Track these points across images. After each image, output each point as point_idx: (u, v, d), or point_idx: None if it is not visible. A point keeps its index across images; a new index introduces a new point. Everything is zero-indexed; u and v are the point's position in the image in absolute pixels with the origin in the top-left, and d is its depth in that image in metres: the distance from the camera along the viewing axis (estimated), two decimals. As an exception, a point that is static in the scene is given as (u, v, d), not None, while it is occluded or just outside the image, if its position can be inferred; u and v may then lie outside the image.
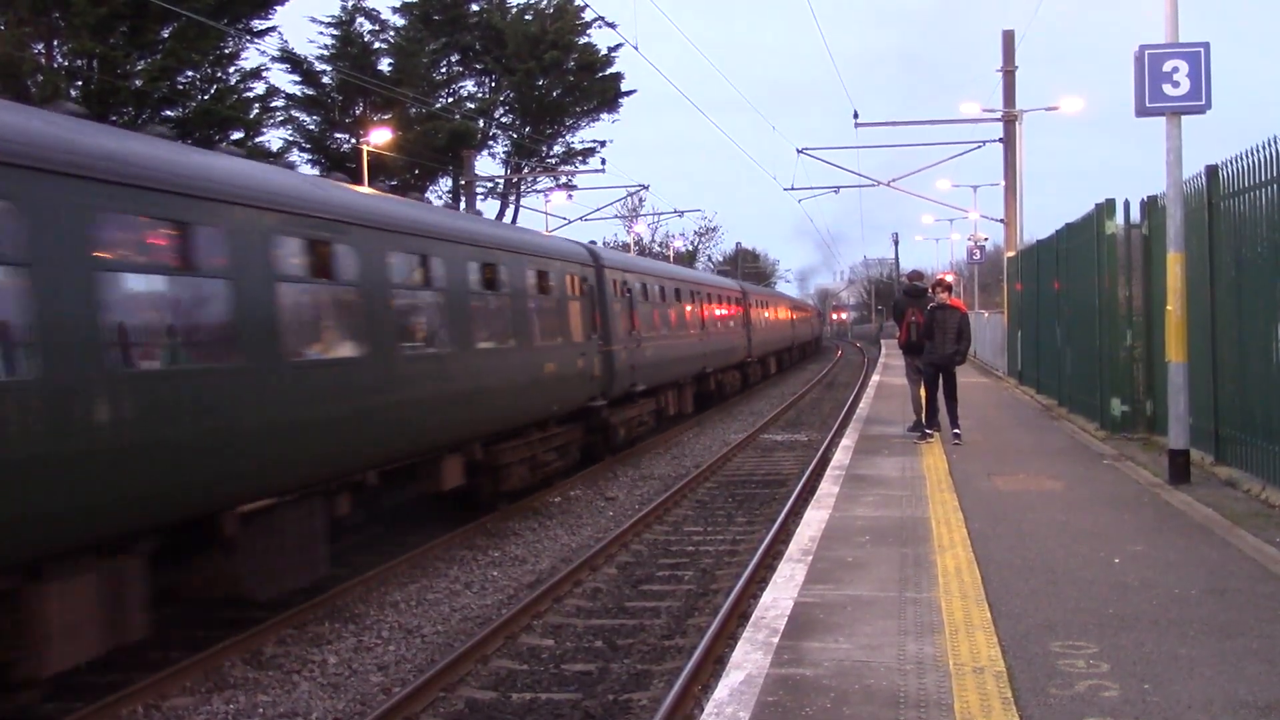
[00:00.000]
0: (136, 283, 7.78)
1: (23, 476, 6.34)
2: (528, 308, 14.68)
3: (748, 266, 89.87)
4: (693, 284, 27.92)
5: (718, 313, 30.22)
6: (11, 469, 6.25)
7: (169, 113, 28.91)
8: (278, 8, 31.86)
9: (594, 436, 17.84)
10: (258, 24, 32.27)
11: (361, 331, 10.18)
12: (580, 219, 42.46)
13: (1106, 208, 15.30)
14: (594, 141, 49.57)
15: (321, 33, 40.12)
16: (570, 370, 16.01)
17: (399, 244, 11.09)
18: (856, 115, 29.28)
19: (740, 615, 8.69)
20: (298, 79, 39.28)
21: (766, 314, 41.20)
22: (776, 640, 5.95)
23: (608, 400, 17.89)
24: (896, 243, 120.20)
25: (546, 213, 42.38)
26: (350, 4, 40.56)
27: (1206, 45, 10.56)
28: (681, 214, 60.71)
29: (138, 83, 27.39)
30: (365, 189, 13.34)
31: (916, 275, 17.12)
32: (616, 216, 60.55)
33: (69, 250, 6.78)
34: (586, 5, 44.07)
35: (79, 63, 27.16)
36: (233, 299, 8.33)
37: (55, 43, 27.24)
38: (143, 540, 7.56)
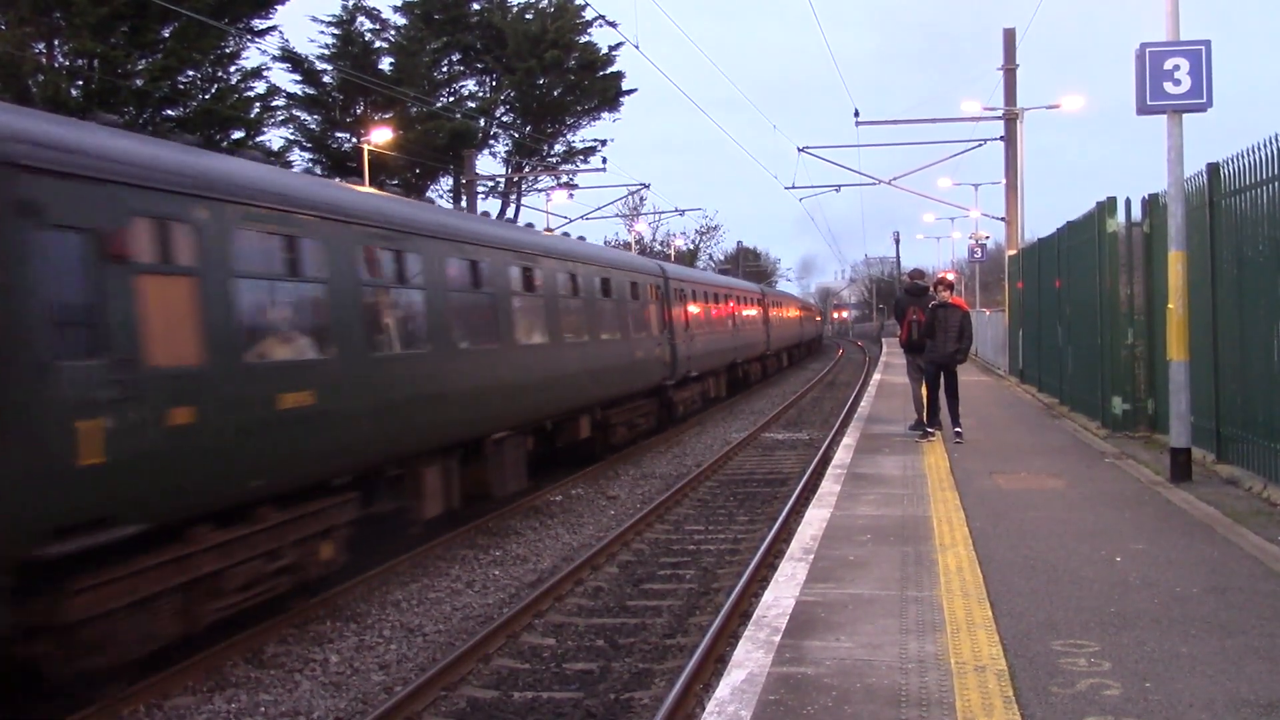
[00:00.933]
0: (417, 294, 11.64)
1: (429, 406, 11.31)
2: (627, 310, 19.71)
3: (749, 265, 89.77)
4: (726, 289, 32.81)
5: (745, 313, 35.31)
6: (426, 400, 11.23)
7: (170, 112, 28.91)
8: (278, 7, 31.83)
9: (662, 410, 22.60)
10: (258, 23, 32.25)
11: (546, 326, 15.27)
12: (581, 218, 42.47)
13: (1108, 206, 15.29)
14: (595, 140, 49.61)
15: (322, 32, 40.15)
16: (651, 357, 21.11)
17: (562, 267, 16.27)
18: (857, 114, 29.34)
19: (742, 614, 8.69)
20: (298, 78, 39.28)
21: (779, 313, 46.51)
22: (778, 639, 5.96)
23: (673, 381, 22.86)
24: (898, 241, 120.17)
25: (548, 211, 42.39)
26: (351, 3, 40.53)
27: (1207, 43, 10.55)
28: (682, 213, 60.82)
29: (139, 82, 27.37)
30: (542, 232, 19.43)
31: (918, 274, 17.12)
32: (617, 215, 60.65)
33: (505, 284, 13.58)
34: (587, 4, 44.07)
35: (80, 62, 27.14)
36: (497, 306, 13.44)
37: (56, 42, 27.23)
38: (455, 450, 12.13)
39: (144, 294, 7.39)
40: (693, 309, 25.83)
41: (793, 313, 53.47)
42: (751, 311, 36.68)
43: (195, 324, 7.94)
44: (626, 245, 62.16)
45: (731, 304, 32.36)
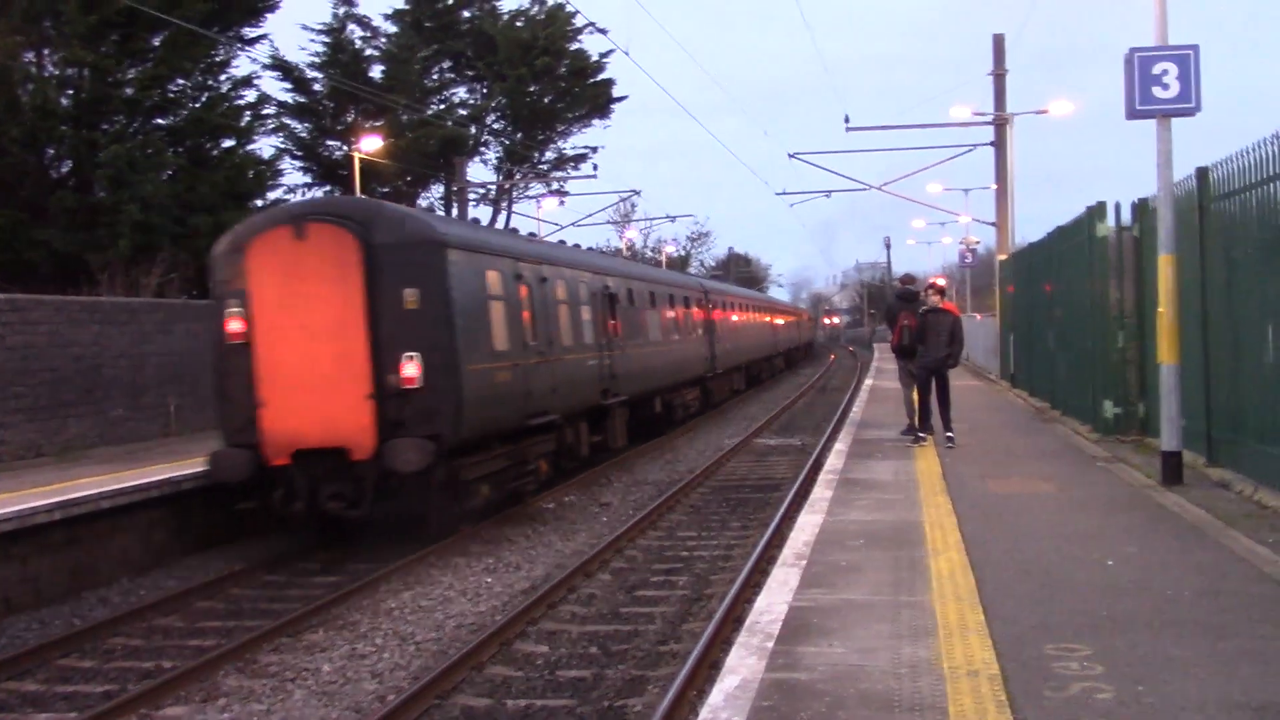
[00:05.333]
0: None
1: (749, 349, 40.70)
2: (788, 322, 57.19)
3: (740, 271, 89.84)
4: (785, 305, 63.06)
5: (789, 319, 59.39)
6: (745, 348, 40.00)
7: (160, 121, 28.83)
8: (269, 15, 31.75)
9: (784, 365, 51.58)
10: (249, 32, 32.05)
11: (781, 329, 53.33)
12: (572, 225, 42.51)
13: (1098, 210, 15.34)
14: (586, 147, 49.49)
15: (313, 40, 40.02)
16: (769, 341, 46.35)
17: (777, 309, 55.35)
18: (847, 120, 29.41)
19: (735, 620, 8.67)
20: (289, 86, 39.14)
21: (796, 319, 69.07)
22: (771, 645, 5.95)
23: (787, 351, 53.29)
24: (889, 246, 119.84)
25: (539, 219, 42.41)
26: (341, 11, 40.50)
27: (1196, 48, 10.58)
28: (674, 219, 60.91)
29: (129, 91, 27.29)
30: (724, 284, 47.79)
31: (909, 279, 17.11)
32: (608, 222, 60.56)
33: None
34: (578, 11, 44.11)
35: (70, 71, 27.08)
36: (772, 324, 50.87)
37: (46, 51, 27.15)
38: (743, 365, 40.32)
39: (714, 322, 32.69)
40: (784, 322, 53.70)
41: (804, 318, 79.23)
42: (793, 318, 62.28)
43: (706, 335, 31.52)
44: (617, 251, 62.17)
45: (792, 316, 59.68)
